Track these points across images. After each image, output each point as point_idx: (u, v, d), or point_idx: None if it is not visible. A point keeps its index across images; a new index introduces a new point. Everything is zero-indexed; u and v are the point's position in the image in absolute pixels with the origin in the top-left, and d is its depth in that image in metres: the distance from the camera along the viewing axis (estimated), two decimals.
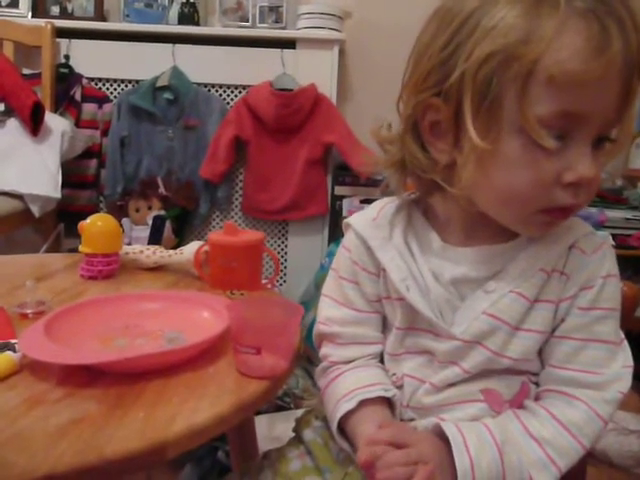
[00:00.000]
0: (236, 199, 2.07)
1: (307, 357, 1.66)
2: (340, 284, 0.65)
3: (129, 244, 1.09)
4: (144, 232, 1.83)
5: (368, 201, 1.87)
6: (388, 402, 0.60)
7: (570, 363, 0.55)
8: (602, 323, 0.55)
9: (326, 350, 0.65)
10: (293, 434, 0.69)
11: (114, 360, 0.58)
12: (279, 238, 2.09)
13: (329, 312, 0.65)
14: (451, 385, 0.57)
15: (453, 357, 0.57)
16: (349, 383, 0.60)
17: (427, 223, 0.62)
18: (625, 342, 0.57)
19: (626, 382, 0.55)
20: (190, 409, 0.53)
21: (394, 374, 0.61)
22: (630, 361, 0.56)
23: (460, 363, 0.56)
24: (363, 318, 0.63)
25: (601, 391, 0.54)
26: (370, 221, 0.63)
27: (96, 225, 0.95)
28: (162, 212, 1.87)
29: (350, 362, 0.63)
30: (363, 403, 0.57)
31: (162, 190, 1.91)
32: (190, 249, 0.98)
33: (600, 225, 1.76)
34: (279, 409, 1.46)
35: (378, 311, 0.64)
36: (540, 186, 0.50)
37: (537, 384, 0.58)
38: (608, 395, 0.54)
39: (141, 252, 1.01)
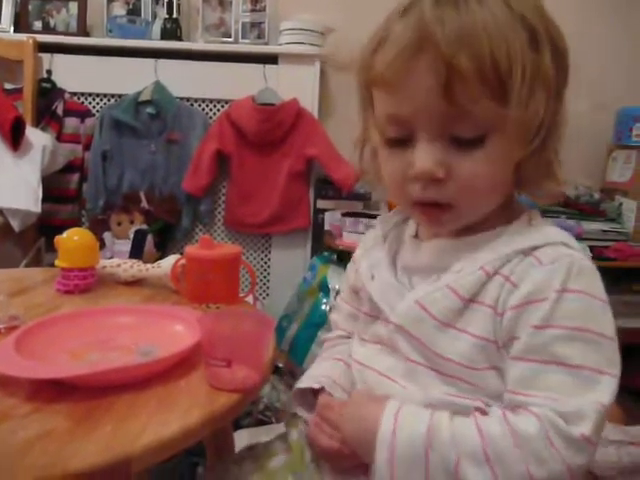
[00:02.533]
0: (219, 213, 2.07)
1: (290, 371, 1.66)
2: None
3: (111, 258, 1.09)
4: (126, 246, 1.82)
5: (350, 214, 1.88)
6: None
7: (528, 388, 0.49)
8: (563, 344, 0.48)
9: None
10: (284, 429, 0.71)
11: (82, 374, 0.58)
12: (262, 251, 2.09)
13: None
14: (397, 386, 0.57)
15: (391, 343, 0.58)
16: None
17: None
18: (610, 377, 0.48)
19: (589, 422, 0.46)
20: (159, 422, 0.53)
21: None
22: (605, 400, 0.47)
23: (399, 350, 0.57)
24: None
25: (563, 421, 0.46)
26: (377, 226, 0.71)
27: (72, 239, 0.95)
28: (144, 226, 1.87)
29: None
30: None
31: (144, 204, 1.91)
32: (167, 263, 0.98)
33: (577, 237, 1.79)
34: (260, 423, 1.46)
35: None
36: (394, 181, 0.56)
37: None
38: (570, 431, 0.46)
39: (118, 266, 1.01)
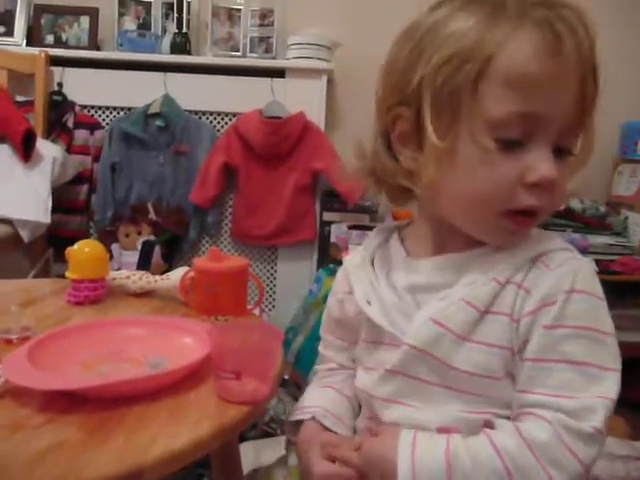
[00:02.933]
0: (226, 224, 2.09)
1: (295, 383, 1.66)
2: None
3: (119, 269, 1.10)
4: (133, 257, 1.84)
5: (356, 227, 1.89)
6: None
7: (538, 387, 0.51)
8: (571, 343, 0.50)
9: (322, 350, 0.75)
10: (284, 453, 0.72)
11: (95, 386, 0.59)
12: (268, 263, 2.10)
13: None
14: (406, 410, 0.58)
15: (403, 367, 0.57)
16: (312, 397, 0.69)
17: (399, 242, 0.65)
18: (614, 373, 0.50)
19: (599, 415, 0.48)
20: (169, 434, 0.54)
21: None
22: (610, 393, 0.50)
23: (411, 371, 0.57)
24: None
25: (574, 419, 0.48)
26: (358, 251, 0.69)
27: (83, 251, 0.96)
28: (152, 237, 1.88)
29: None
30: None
31: (152, 215, 1.92)
32: (176, 275, 0.99)
33: (583, 251, 1.79)
34: (266, 435, 1.46)
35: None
36: (500, 186, 0.52)
37: None
38: (581, 427, 0.48)
39: (128, 278, 1.02)
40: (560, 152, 0.52)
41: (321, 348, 0.75)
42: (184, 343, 0.73)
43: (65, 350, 0.68)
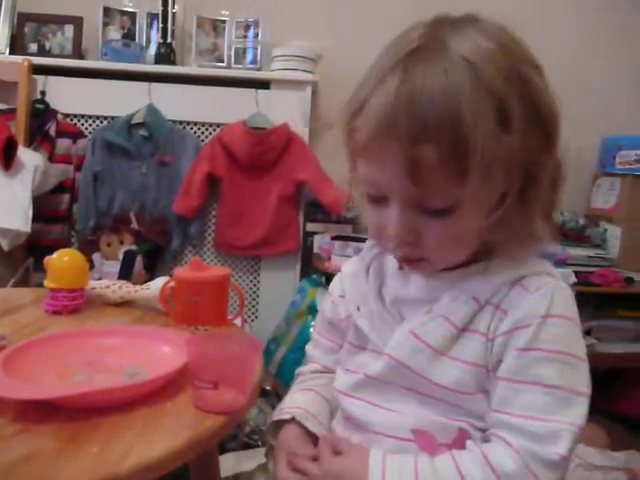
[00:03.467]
0: (209, 234, 2.08)
1: (277, 394, 1.65)
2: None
3: (100, 279, 1.10)
4: (115, 267, 1.82)
5: (339, 237, 1.90)
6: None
7: (508, 407, 0.52)
8: (543, 366, 0.51)
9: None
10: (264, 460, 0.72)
11: (69, 395, 0.58)
12: (251, 274, 2.10)
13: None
14: (381, 411, 0.59)
15: (382, 375, 0.59)
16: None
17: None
18: (585, 398, 0.51)
19: (565, 442, 0.49)
20: (145, 444, 0.53)
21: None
22: (579, 420, 0.50)
23: (389, 378, 0.59)
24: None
25: (539, 444, 0.49)
26: (355, 259, 0.72)
27: (62, 260, 0.96)
28: (134, 247, 1.87)
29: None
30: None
31: (134, 225, 1.91)
32: (157, 284, 0.99)
33: (563, 263, 1.81)
34: (247, 447, 1.45)
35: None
36: (374, 231, 0.58)
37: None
38: (547, 454, 0.49)
39: (107, 287, 1.01)
40: (433, 212, 0.52)
41: (310, 348, 0.76)
42: (162, 353, 0.72)
43: (40, 359, 0.67)
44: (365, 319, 0.63)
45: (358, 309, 0.64)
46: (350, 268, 0.71)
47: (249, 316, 2.10)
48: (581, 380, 0.52)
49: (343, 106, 0.55)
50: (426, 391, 0.57)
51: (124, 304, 1.02)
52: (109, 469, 0.49)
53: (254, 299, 2.11)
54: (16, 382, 0.60)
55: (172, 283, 0.94)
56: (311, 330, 1.68)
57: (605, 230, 2.08)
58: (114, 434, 0.55)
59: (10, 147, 1.67)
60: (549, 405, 0.51)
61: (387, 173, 0.51)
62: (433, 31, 0.52)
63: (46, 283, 0.95)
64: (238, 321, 1.05)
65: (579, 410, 0.51)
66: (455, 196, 0.50)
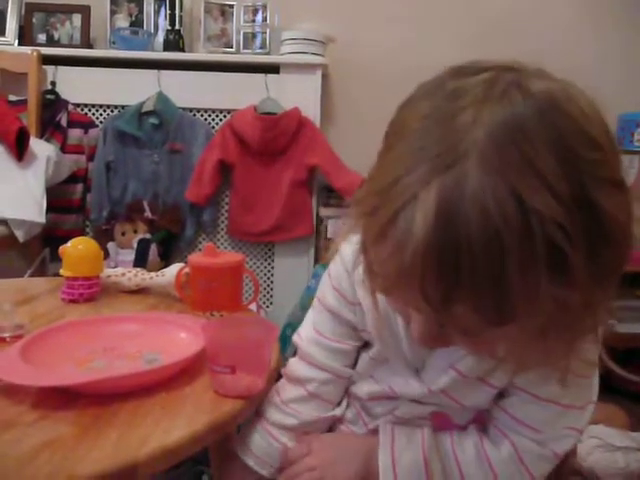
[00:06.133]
0: (222, 222, 2.08)
1: None
2: (321, 312, 0.66)
3: (115, 267, 1.10)
4: (130, 256, 1.83)
5: None
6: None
7: (517, 412, 0.56)
8: (549, 383, 0.52)
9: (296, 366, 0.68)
10: None
11: (88, 381, 0.58)
12: (265, 260, 2.10)
13: (308, 332, 0.67)
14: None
15: (417, 398, 0.60)
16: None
17: None
18: (591, 406, 0.55)
19: (564, 444, 0.54)
20: (164, 429, 0.53)
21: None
22: (579, 424, 0.54)
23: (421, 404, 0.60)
24: (337, 349, 0.65)
25: (537, 445, 0.54)
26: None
27: (77, 248, 0.96)
28: (148, 235, 1.87)
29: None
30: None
31: (148, 214, 1.92)
32: (171, 271, 0.99)
33: None
34: None
35: (354, 340, 0.65)
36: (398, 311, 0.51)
37: None
38: (542, 450, 0.54)
39: (123, 275, 1.02)
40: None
41: (313, 348, 0.66)
42: (179, 338, 0.72)
43: (58, 347, 0.67)
44: (392, 348, 0.60)
45: (380, 338, 0.60)
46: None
47: (264, 302, 2.10)
48: (594, 390, 0.55)
49: (358, 198, 0.44)
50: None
51: (139, 291, 1.02)
52: (129, 455, 0.49)
53: (268, 285, 2.11)
54: (35, 369, 0.60)
55: (187, 270, 0.94)
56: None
57: None
58: (133, 420, 0.55)
59: (22, 138, 1.67)
60: (557, 420, 0.54)
61: (409, 305, 0.44)
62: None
63: (62, 272, 0.95)
64: (253, 307, 1.04)
65: (586, 417, 0.54)
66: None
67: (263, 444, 0.65)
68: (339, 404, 0.67)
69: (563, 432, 0.54)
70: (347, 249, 0.61)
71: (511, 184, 0.35)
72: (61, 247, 0.96)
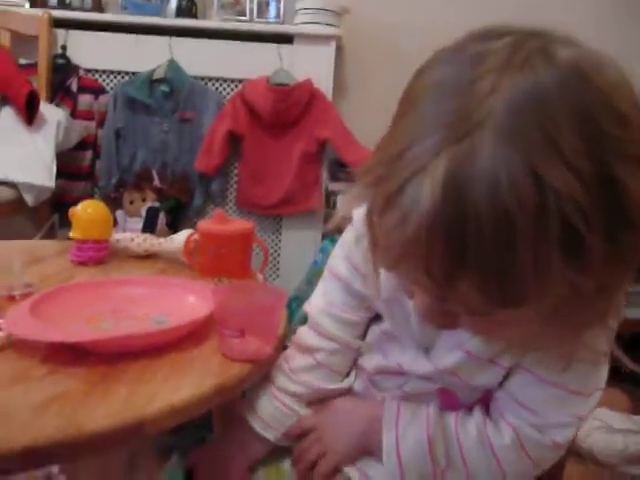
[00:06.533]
0: (230, 193, 2.07)
1: None
2: (332, 282, 0.66)
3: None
4: (138, 224, 1.83)
5: None
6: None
7: (520, 394, 0.54)
8: (567, 369, 0.50)
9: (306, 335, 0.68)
10: None
11: (99, 339, 0.58)
12: (272, 233, 2.10)
13: (319, 302, 0.67)
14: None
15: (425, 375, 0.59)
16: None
17: None
18: (599, 392, 0.53)
19: (566, 432, 0.52)
20: (171, 388, 0.53)
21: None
22: (582, 412, 0.53)
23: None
24: (347, 321, 0.65)
25: (538, 432, 0.53)
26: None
27: (86, 212, 0.95)
28: (156, 204, 1.87)
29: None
30: None
31: (157, 182, 1.91)
32: (180, 237, 0.99)
33: None
34: None
35: (365, 311, 0.65)
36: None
37: None
38: (542, 438, 0.53)
39: (132, 240, 1.01)
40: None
41: (325, 319, 0.66)
42: (188, 302, 0.72)
43: (68, 306, 0.67)
44: (402, 325, 0.60)
45: (392, 316, 0.60)
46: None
47: (270, 275, 2.10)
48: (600, 378, 0.53)
49: (366, 168, 0.43)
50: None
51: (148, 257, 1.02)
52: (136, 411, 0.49)
53: (275, 258, 2.11)
54: (44, 325, 0.60)
55: (196, 236, 0.93)
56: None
57: None
58: (141, 378, 0.55)
59: (33, 102, 1.66)
60: (561, 405, 0.52)
61: (412, 280, 0.42)
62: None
63: (72, 234, 0.95)
64: (260, 278, 1.04)
65: (591, 404, 0.52)
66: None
67: (270, 408, 0.65)
68: (347, 375, 0.68)
69: (566, 419, 0.52)
70: (360, 216, 0.59)
71: (527, 159, 0.33)
72: (71, 209, 0.96)
